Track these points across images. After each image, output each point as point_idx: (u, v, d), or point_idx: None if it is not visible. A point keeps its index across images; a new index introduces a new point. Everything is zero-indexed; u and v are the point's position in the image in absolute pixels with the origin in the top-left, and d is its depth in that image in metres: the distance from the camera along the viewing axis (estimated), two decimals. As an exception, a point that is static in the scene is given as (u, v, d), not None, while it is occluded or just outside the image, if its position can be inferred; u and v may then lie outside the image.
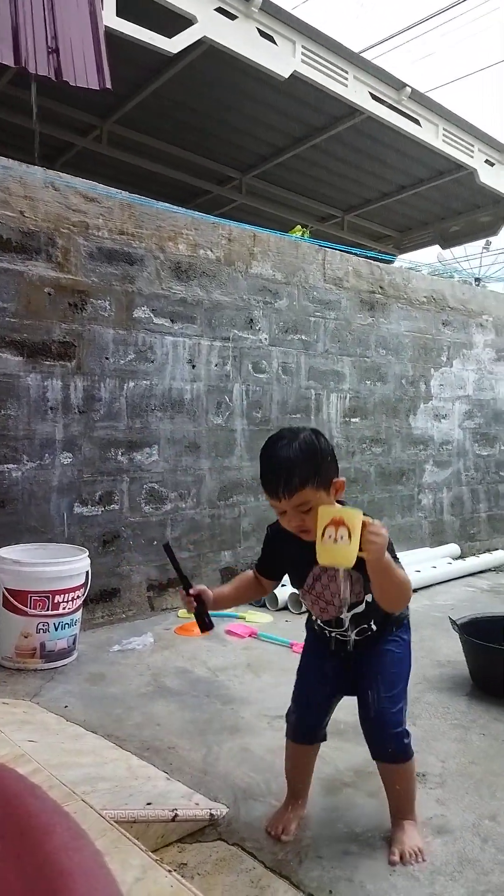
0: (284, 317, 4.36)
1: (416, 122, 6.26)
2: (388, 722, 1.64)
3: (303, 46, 5.25)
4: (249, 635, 3.30)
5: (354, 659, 1.71)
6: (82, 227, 3.41)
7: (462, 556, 5.10)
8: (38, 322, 3.26)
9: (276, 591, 3.72)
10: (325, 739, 1.81)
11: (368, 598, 1.63)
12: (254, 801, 1.85)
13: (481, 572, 4.95)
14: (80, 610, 3.00)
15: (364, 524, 1.41)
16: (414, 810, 1.71)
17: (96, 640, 3.18)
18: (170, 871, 1.28)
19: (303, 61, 5.26)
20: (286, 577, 1.78)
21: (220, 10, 4.78)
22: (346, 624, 1.68)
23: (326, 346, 4.60)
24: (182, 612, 3.61)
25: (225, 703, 2.53)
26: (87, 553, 3.03)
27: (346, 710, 1.80)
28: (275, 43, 5.10)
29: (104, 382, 3.48)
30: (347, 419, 4.74)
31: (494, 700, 2.55)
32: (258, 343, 4.21)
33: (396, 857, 1.59)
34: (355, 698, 1.72)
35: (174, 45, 4.57)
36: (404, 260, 9.23)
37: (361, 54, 6.07)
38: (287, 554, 1.69)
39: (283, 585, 3.25)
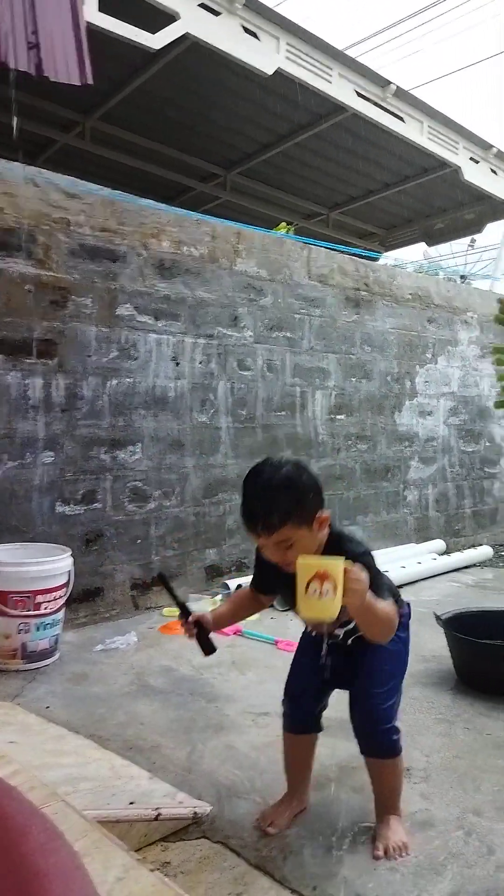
0: (269, 314, 4.35)
1: (401, 119, 6.27)
2: (378, 718, 1.64)
3: (287, 43, 5.24)
4: (234, 633, 3.29)
5: (350, 653, 1.71)
6: (63, 223, 3.38)
7: (447, 552, 5.12)
8: (19, 320, 3.23)
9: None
10: (320, 730, 1.80)
11: None
12: (238, 798, 1.84)
13: (466, 568, 4.96)
14: (63, 610, 2.97)
15: (345, 572, 1.37)
16: (399, 806, 1.70)
17: (79, 640, 3.16)
18: (152, 869, 1.27)
19: (287, 58, 5.26)
20: None
21: (203, 5, 4.76)
22: (341, 635, 1.69)
23: (312, 343, 4.60)
24: (167, 609, 3.60)
25: (209, 700, 2.52)
26: (70, 552, 3.01)
27: (332, 705, 1.80)
28: (258, 39, 5.09)
29: (86, 380, 3.46)
30: (333, 416, 4.74)
31: (479, 695, 2.56)
32: (243, 340, 4.20)
33: (381, 852, 1.59)
34: (347, 693, 1.71)
35: (157, 40, 4.55)
36: (390, 257, 9.26)
37: (346, 52, 6.07)
38: (275, 572, 1.66)
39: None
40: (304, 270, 4.58)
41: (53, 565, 2.88)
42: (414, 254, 10.21)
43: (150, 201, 3.87)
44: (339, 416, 4.78)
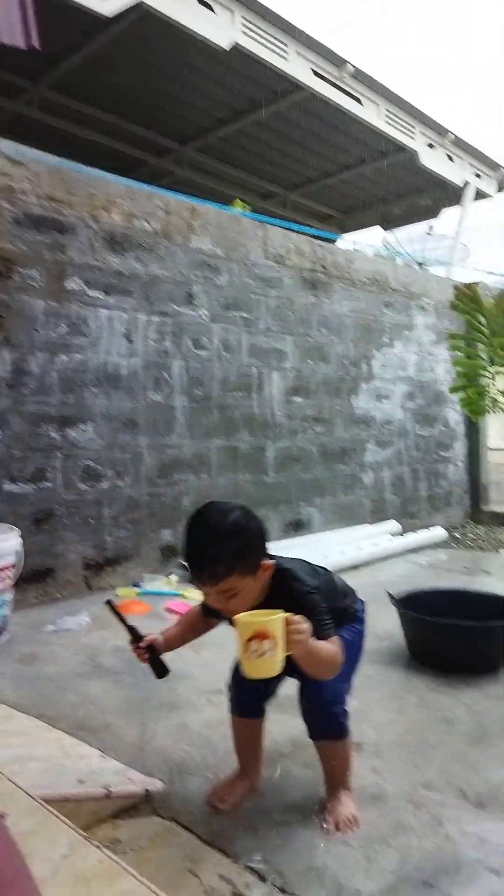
0: (225, 293, 4.29)
1: (358, 101, 6.25)
2: (328, 700, 1.62)
3: (242, 17, 5.16)
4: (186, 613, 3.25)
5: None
6: (7, 190, 3.25)
7: (402, 533, 5.17)
8: (-35, 291, 3.11)
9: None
10: (264, 714, 1.78)
11: None
12: (190, 775, 1.81)
13: (421, 549, 5.03)
14: (12, 590, 2.89)
15: (287, 622, 1.34)
16: (349, 781, 1.70)
17: (29, 621, 3.08)
18: (98, 847, 1.24)
19: (243, 32, 5.17)
20: None
21: (157, -27, 4.64)
22: None
23: (268, 324, 4.56)
24: (121, 590, 3.54)
25: (163, 680, 2.48)
26: (18, 532, 2.92)
27: (285, 684, 1.78)
28: (213, 12, 4.99)
29: (34, 355, 3.35)
30: (290, 398, 4.72)
31: (430, 672, 2.58)
32: (198, 319, 4.13)
33: (331, 826, 1.58)
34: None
35: (109, 7, 4.41)
36: (348, 240, 9.26)
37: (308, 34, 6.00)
38: None
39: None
40: (260, 250, 4.53)
41: (0, 545, 2.79)
42: (374, 239, 10.21)
43: (100, 171, 3.76)
44: (296, 398, 4.76)
